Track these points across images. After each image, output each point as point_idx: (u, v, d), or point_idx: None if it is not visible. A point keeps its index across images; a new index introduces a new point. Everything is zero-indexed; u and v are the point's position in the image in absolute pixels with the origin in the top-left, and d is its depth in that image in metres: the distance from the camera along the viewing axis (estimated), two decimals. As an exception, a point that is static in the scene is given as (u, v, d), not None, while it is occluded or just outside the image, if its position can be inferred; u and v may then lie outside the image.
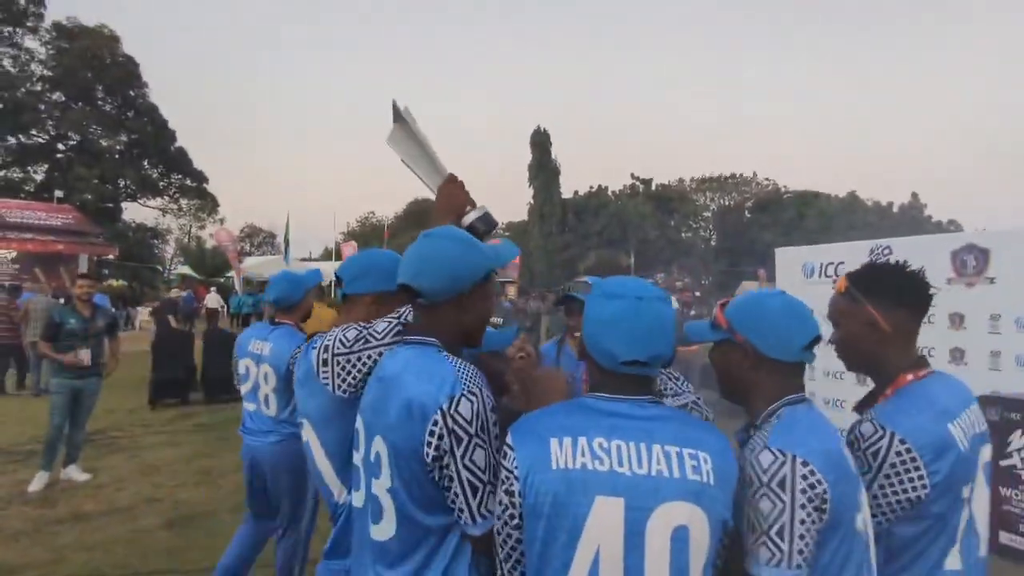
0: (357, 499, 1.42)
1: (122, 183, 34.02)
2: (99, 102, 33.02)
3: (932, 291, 1.44)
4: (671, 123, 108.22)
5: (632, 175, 50.20)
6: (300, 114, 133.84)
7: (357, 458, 1.42)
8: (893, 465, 1.27)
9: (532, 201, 43.18)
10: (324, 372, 1.55)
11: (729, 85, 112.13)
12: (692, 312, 8.17)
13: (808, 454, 1.12)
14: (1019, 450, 3.92)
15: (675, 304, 8.51)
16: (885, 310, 1.42)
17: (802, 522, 1.08)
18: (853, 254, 6.74)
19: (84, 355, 5.10)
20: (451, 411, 1.23)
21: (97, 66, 31.65)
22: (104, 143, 32.87)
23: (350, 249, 26.65)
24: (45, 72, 31.33)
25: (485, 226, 1.71)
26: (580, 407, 1.20)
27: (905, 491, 1.27)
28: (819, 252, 7.31)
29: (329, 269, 29.87)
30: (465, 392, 1.25)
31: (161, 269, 36.12)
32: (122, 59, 32.77)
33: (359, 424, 1.41)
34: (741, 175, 53.78)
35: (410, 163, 1.79)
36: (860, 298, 1.44)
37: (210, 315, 18.94)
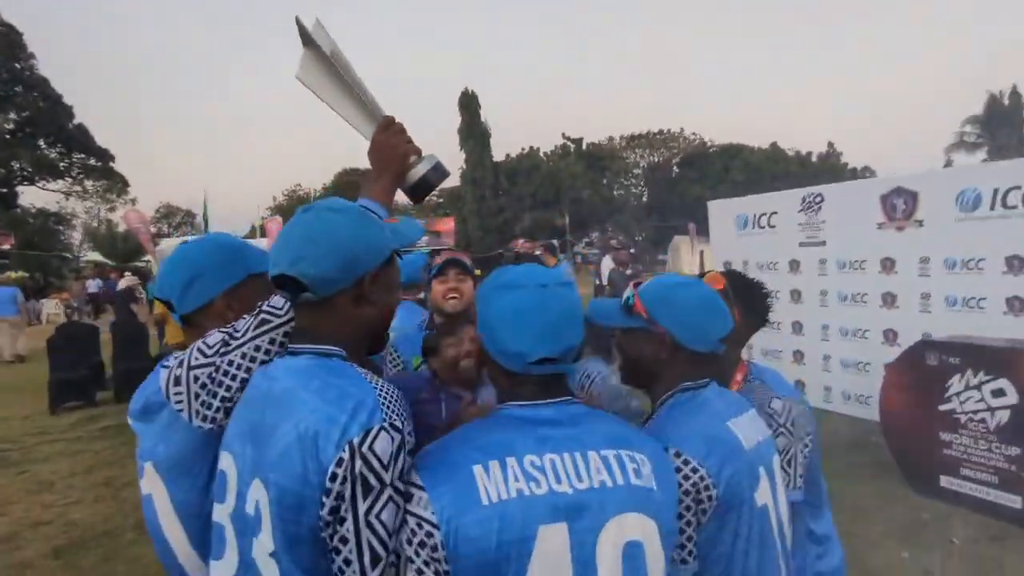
0: (223, 570, 0.99)
1: (16, 165, 31.22)
2: (-22, 77, 29.95)
3: (769, 318, 1.70)
4: (600, 81, 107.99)
5: (563, 135, 49.93)
6: (214, 79, 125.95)
7: (222, 513, 0.99)
8: (802, 425, 1.47)
9: (464, 166, 42.31)
10: (177, 394, 1.07)
11: (655, 42, 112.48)
12: (628, 271, 7.99)
13: (681, 443, 1.10)
14: (958, 394, 3.87)
15: (611, 264, 8.30)
16: (744, 314, 1.59)
17: (680, 516, 1.06)
18: (786, 203, 6.65)
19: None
20: (363, 448, 0.87)
21: (-28, 37, 28.61)
22: (-11, 122, 29.99)
23: (275, 226, 25.32)
24: (-88, 46, 28.10)
25: (438, 177, 1.37)
26: (497, 421, 1.01)
27: (805, 444, 1.48)
28: (752, 203, 7.20)
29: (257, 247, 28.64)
30: (386, 425, 0.90)
31: (70, 257, 33.54)
32: (2, 28, 29.67)
33: (226, 464, 0.99)
34: (668, 131, 54.41)
35: (331, 103, 1.33)
36: (732, 299, 1.56)
37: (126, 297, 17.46)
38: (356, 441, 0.87)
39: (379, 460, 0.88)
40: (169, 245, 30.83)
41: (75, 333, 8.94)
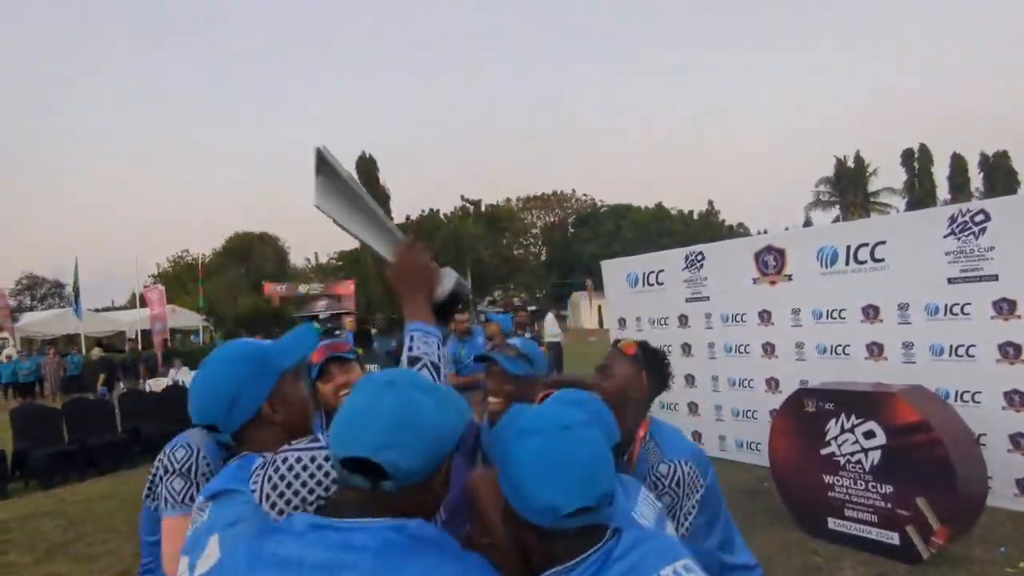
0: None
1: None
2: None
3: (671, 382, 1.90)
4: (494, 143, 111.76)
5: (462, 197, 50.89)
6: (86, 140, 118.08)
7: None
8: (690, 484, 1.59)
9: (364, 229, 41.79)
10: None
11: (546, 104, 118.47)
12: (528, 334, 8.08)
13: None
14: (835, 437, 4.14)
15: (553, 319, 8.34)
16: (650, 379, 1.80)
17: None
18: (671, 261, 7.05)
19: None
20: None
21: None
22: None
23: (156, 294, 23.67)
24: None
25: (464, 290, 1.46)
26: None
27: (697, 499, 1.60)
28: (641, 262, 7.57)
29: (135, 318, 26.42)
30: None
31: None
32: None
33: None
34: (561, 192, 57.11)
35: (351, 228, 1.36)
36: (642, 364, 1.80)
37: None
38: None
39: None
40: (35, 320, 27.92)
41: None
